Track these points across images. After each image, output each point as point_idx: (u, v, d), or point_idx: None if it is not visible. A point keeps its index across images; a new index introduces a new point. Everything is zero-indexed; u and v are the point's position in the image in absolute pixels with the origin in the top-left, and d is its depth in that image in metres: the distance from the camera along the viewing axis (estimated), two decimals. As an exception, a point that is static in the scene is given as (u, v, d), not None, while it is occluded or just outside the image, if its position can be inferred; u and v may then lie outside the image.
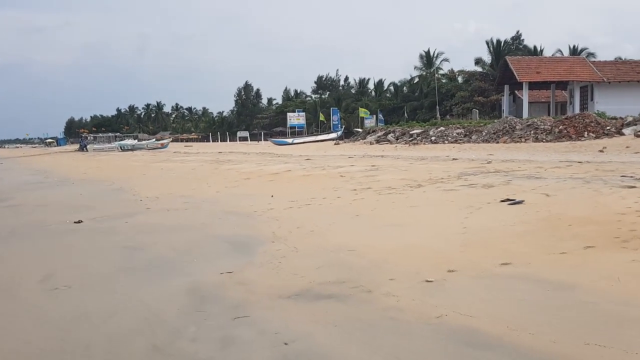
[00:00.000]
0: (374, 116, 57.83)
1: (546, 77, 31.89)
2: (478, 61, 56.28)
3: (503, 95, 41.93)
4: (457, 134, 25.54)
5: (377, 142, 30.69)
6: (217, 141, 72.36)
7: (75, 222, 8.36)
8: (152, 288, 4.52)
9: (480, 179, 9.35)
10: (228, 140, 72.59)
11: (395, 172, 11.70)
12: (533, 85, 32.85)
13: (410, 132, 28.83)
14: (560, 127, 21.47)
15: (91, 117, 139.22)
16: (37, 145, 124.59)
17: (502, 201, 7.05)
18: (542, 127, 21.95)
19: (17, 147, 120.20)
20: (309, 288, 4.20)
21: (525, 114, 30.75)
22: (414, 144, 26.23)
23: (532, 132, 21.87)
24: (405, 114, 58.36)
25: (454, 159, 15.13)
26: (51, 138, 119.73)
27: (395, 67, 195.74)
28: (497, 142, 22.09)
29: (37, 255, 6.16)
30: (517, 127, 22.70)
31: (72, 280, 4.88)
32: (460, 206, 7.03)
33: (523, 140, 21.47)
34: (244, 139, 71.32)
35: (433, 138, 25.99)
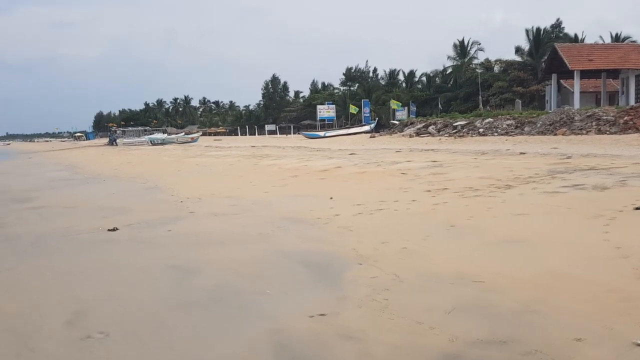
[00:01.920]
0: (406, 108, 56.14)
1: (599, 64, 29.80)
2: (517, 49, 54.06)
3: (547, 85, 39.95)
4: (507, 125, 23.84)
5: (417, 134, 29.13)
6: (246, 135, 71.47)
7: (109, 230, 7.18)
8: (224, 340, 3.24)
9: (582, 178, 7.86)
10: (257, 133, 71.57)
11: (465, 169, 10.27)
12: (584, 74, 30.75)
13: (454, 124, 27.18)
14: (626, 118, 19.65)
15: (119, 111, 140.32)
16: (66, 139, 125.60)
17: (637, 209, 5.59)
18: (604, 118, 20.15)
19: (47, 141, 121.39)
20: (458, 353, 2.85)
21: (576, 105, 28.80)
22: (460, 136, 24.60)
23: (593, 123, 20.08)
24: (440, 106, 56.50)
25: (521, 153, 13.58)
26: (80, 132, 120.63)
27: (422, 59, 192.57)
28: (555, 134, 20.37)
29: (64, 278, 4.93)
30: (576, 118, 20.92)
31: (110, 323, 3.62)
32: (586, 215, 5.60)
33: (584, 132, 19.72)
34: (272, 132, 70.26)
35: (481, 130, 24.32)
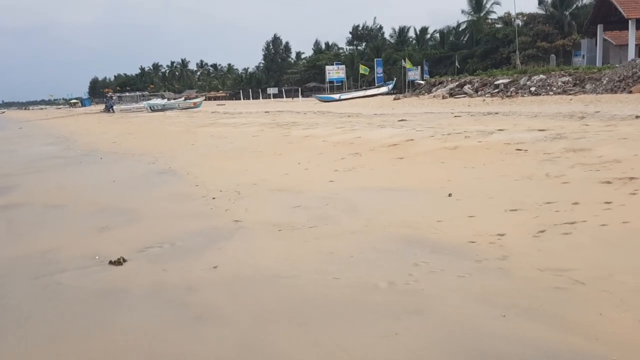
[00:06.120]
0: (419, 67, 52.55)
1: (662, 10, 26.26)
2: (541, 1, 50.15)
3: (582, 39, 36.61)
4: (563, 82, 20.64)
5: (451, 95, 25.91)
6: (249, 99, 67.82)
7: (111, 263, 4.30)
8: None
9: None
10: (261, 97, 68.00)
11: (611, 142, 7.26)
12: (638, 24, 27.11)
13: (495, 83, 23.93)
14: None
15: (115, 76, 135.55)
16: (61, 106, 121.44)
17: None
18: (694, 71, 17.00)
19: (42, 109, 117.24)
20: None
21: (631, 58, 25.47)
22: (508, 96, 21.43)
23: (681, 78, 16.97)
24: (457, 64, 52.91)
25: (637, 116, 10.55)
26: (76, 99, 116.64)
27: (426, 17, 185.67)
28: (630, 92, 17.27)
29: None
30: (654, 73, 17.77)
31: None
32: None
33: (670, 89, 16.60)
34: (276, 95, 66.50)
35: (532, 89, 21.12)
